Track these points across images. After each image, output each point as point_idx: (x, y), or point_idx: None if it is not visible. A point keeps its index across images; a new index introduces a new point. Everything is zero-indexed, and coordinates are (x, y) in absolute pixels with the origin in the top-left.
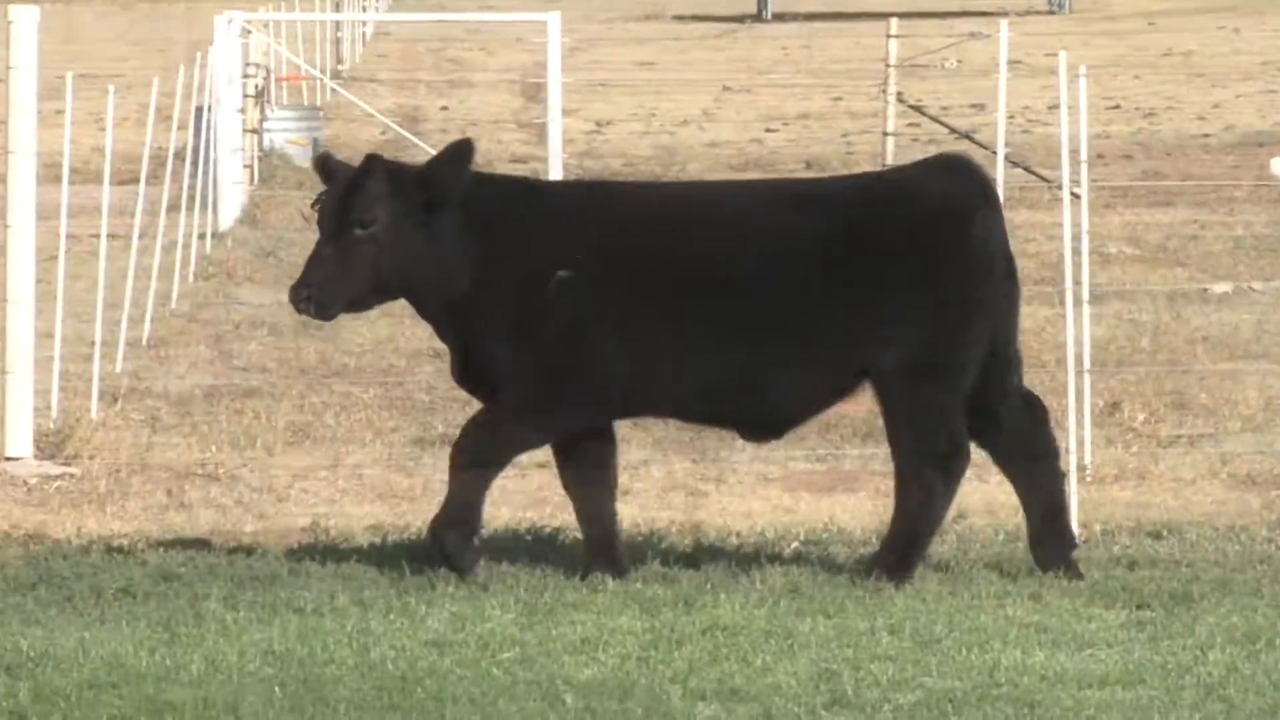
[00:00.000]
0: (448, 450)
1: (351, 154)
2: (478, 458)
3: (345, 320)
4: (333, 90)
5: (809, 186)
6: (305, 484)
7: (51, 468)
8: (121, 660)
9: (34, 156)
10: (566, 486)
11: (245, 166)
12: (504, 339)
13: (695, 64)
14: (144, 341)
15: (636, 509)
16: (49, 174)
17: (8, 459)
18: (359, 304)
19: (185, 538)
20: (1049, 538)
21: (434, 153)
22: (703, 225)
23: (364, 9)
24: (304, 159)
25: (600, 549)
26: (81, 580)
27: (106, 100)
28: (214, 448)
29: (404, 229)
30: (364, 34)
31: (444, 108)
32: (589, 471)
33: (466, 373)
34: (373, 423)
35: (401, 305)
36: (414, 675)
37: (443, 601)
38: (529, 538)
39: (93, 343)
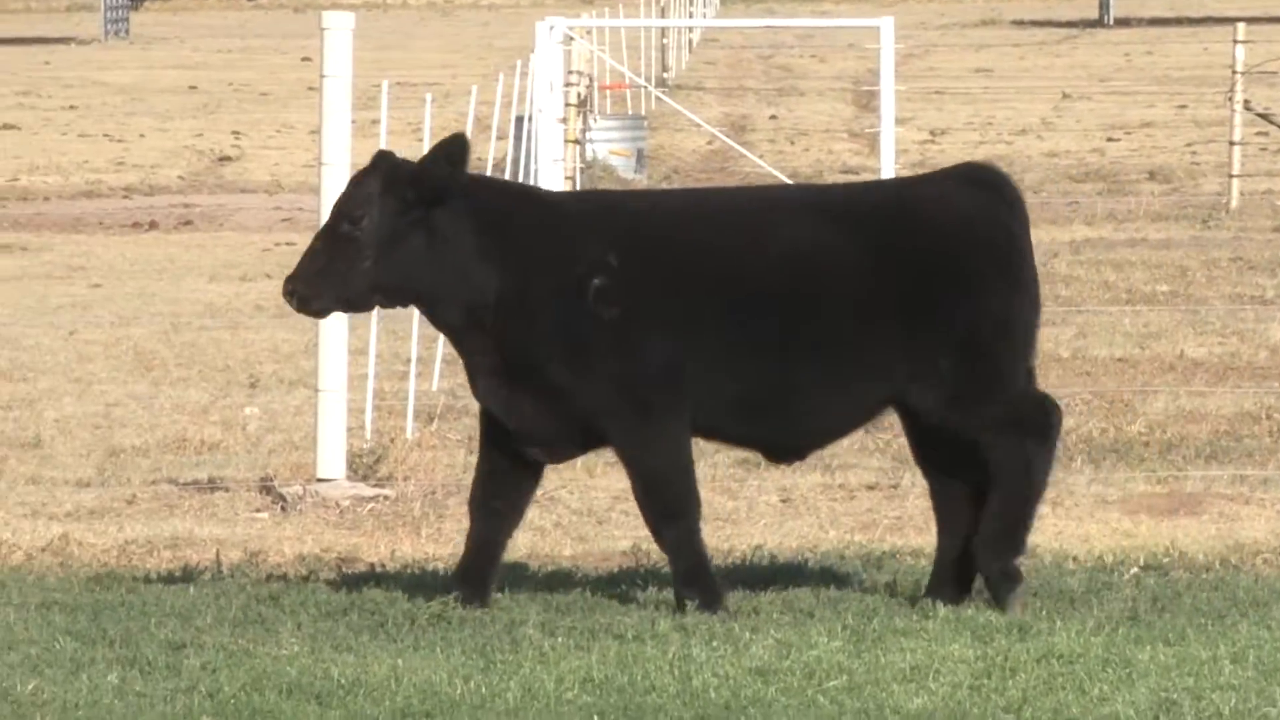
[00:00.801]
0: (774, 472)
1: (677, 164)
2: (667, 508)
3: None
4: (658, 99)
5: (834, 193)
6: (625, 506)
7: (365, 489)
8: (435, 688)
9: (348, 168)
10: (471, 505)
11: (566, 178)
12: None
13: (1033, 71)
14: None
15: None
16: None
17: (320, 480)
18: (355, 303)
19: (502, 561)
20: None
21: (761, 164)
22: (724, 234)
23: (691, 15)
24: (628, 170)
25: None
26: (394, 605)
27: (423, 109)
28: None
29: (396, 228)
30: (690, 40)
31: (773, 116)
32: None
33: (505, 390)
34: (697, 444)
35: None
36: (737, 704)
37: (767, 628)
38: (857, 561)
39: (408, 360)
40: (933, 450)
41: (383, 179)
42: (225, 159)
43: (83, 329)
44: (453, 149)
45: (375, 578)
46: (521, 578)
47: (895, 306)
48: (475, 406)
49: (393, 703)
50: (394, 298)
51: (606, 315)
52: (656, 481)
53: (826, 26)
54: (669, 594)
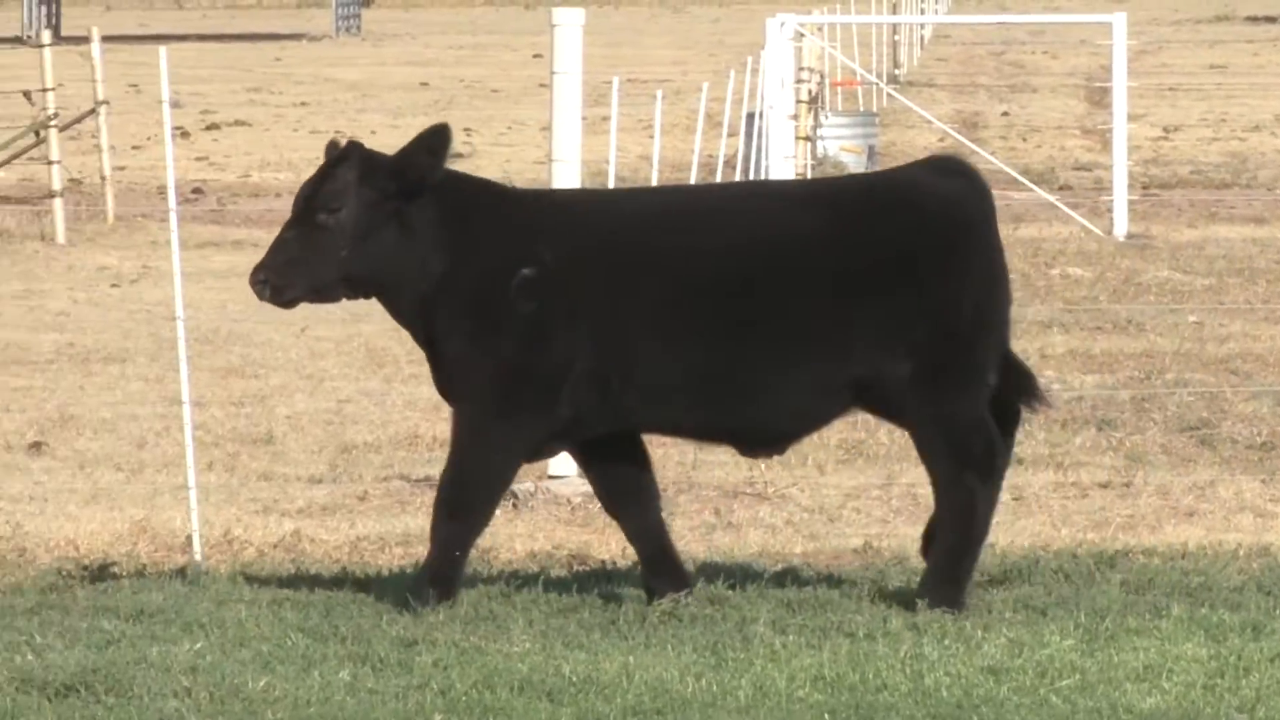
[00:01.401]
0: (1006, 470)
1: (908, 161)
2: (459, 505)
3: None
4: (889, 95)
5: (805, 187)
6: (857, 503)
7: None
8: (666, 686)
9: (578, 164)
10: (607, 509)
11: (797, 175)
12: (469, 343)
13: (1267, 67)
14: None
15: (1202, 531)
16: (594, 182)
17: (551, 477)
18: (324, 293)
19: (733, 559)
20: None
21: (994, 160)
22: (695, 229)
23: (922, 11)
24: (859, 166)
25: (651, 567)
26: (626, 602)
27: (654, 106)
28: (763, 466)
29: (373, 219)
30: (922, 37)
31: (1004, 113)
32: (624, 488)
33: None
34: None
35: None
36: (969, 702)
37: (999, 626)
38: (1089, 560)
39: None
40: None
41: (359, 170)
42: (457, 155)
43: (314, 325)
44: (433, 141)
45: (606, 575)
46: (753, 575)
47: (858, 295)
48: None
49: (624, 700)
50: (360, 288)
51: (523, 307)
52: (464, 476)
53: (1058, 23)
54: (900, 591)
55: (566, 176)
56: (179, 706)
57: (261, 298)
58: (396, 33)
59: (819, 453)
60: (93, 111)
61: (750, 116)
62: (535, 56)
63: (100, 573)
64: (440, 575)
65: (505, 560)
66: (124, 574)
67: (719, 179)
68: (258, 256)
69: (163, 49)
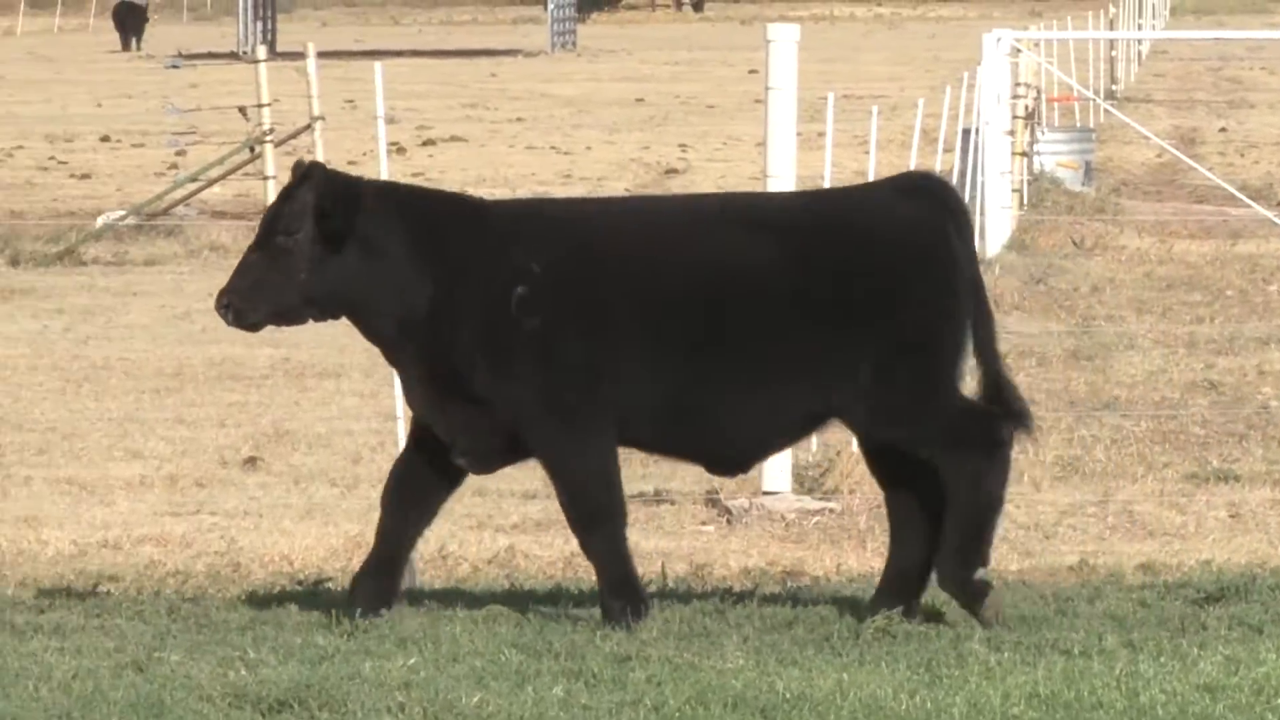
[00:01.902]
0: (1223, 487)
1: (1125, 177)
2: (590, 515)
3: (1118, 352)
4: (1106, 111)
5: (764, 202)
6: (1073, 520)
7: (810, 502)
8: (880, 703)
9: (793, 180)
10: (383, 499)
11: (1014, 190)
12: (492, 365)
13: None
14: None
15: None
16: None
17: (765, 493)
18: (288, 316)
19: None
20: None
21: (1211, 176)
22: (654, 244)
23: (1139, 27)
24: (1075, 182)
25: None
26: (840, 619)
27: (870, 121)
28: None
29: (330, 241)
30: (1139, 52)
31: (1222, 129)
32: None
33: (437, 400)
34: (1144, 457)
35: None
36: None
37: (1215, 644)
38: None
39: None
40: (884, 462)
41: (317, 191)
42: (672, 171)
43: None
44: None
45: (820, 591)
46: None
47: (824, 315)
48: None
49: (837, 717)
50: (327, 310)
51: (528, 324)
52: (578, 488)
53: (1277, 39)
54: (1116, 608)
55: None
56: None
57: (227, 322)
58: (612, 48)
59: (1034, 470)
60: (308, 127)
61: (966, 132)
62: (751, 72)
63: (314, 588)
64: (619, 581)
65: (719, 576)
66: (338, 589)
67: None
68: None
69: (378, 65)
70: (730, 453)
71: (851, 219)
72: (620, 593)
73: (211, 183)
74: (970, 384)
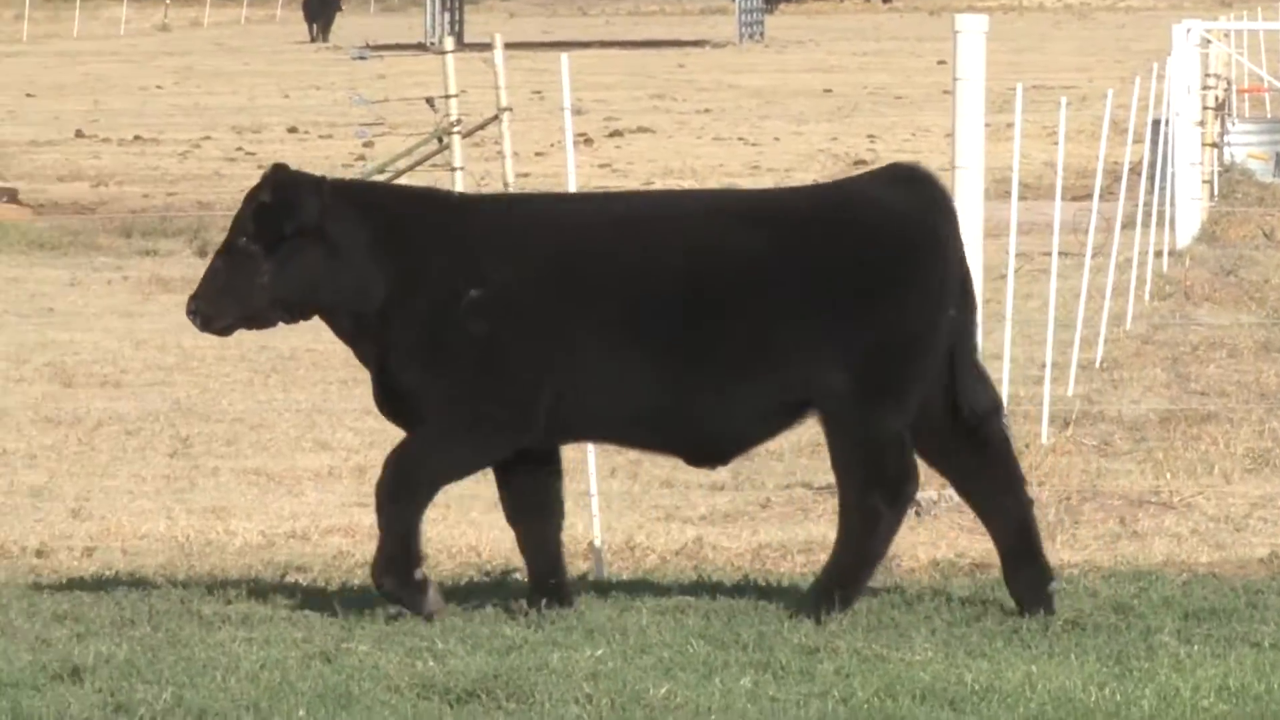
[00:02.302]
0: None
1: None
2: (402, 490)
3: None
4: None
5: (751, 197)
6: (1264, 513)
7: None
8: (1069, 695)
9: (981, 171)
10: (509, 518)
11: (1204, 182)
12: (419, 362)
13: None
14: (1096, 363)
15: None
16: (997, 189)
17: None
18: (257, 320)
19: (1138, 568)
20: (1023, 571)
21: None
22: (635, 239)
23: None
24: (1266, 174)
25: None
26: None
27: (1058, 112)
28: (1168, 474)
29: (293, 243)
30: None
31: None
32: (531, 500)
33: (392, 400)
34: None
35: None
36: None
37: None
38: None
39: (1043, 365)
40: (950, 453)
41: (276, 195)
42: (860, 162)
43: None
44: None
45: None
46: (1158, 584)
47: (805, 306)
48: (1110, 411)
49: (1026, 709)
50: (294, 312)
51: (476, 325)
52: (411, 459)
53: None
54: None
55: (970, 183)
56: (580, 713)
57: (196, 327)
58: (799, 39)
59: (1225, 461)
60: (495, 118)
61: (1156, 123)
62: (939, 63)
63: (502, 578)
64: (391, 564)
65: (907, 568)
66: (525, 580)
67: (1123, 186)
68: None
69: (564, 56)
70: (710, 445)
71: (835, 211)
72: (389, 570)
73: (399, 174)
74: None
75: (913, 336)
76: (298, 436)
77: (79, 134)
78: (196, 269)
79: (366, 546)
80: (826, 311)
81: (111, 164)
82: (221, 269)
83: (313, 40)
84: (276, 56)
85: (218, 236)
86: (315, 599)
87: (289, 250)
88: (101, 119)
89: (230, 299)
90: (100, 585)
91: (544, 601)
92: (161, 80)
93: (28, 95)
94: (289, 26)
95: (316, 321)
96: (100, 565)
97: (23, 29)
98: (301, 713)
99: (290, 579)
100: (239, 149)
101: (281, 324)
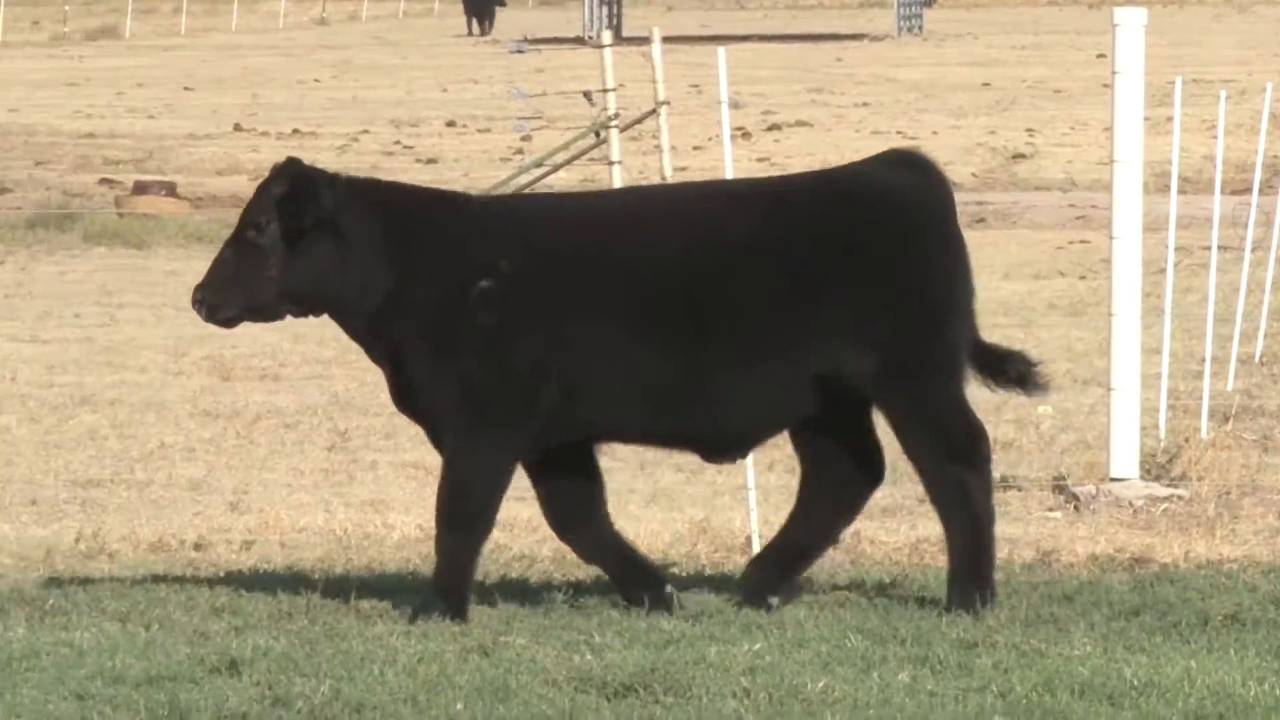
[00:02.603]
0: None
1: None
2: (456, 520)
3: None
4: None
5: (761, 185)
6: None
7: (1158, 489)
8: (1229, 690)
9: (1140, 165)
10: (557, 532)
11: None
12: (430, 358)
13: None
14: (1256, 358)
15: None
16: (1157, 183)
17: (1113, 479)
18: (263, 312)
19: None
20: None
21: None
22: (643, 233)
23: None
24: None
25: (622, 580)
26: (1188, 606)
27: (1217, 106)
28: None
29: (304, 236)
30: None
31: None
32: (574, 511)
33: (409, 398)
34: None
35: None
36: None
37: None
38: None
39: (1202, 359)
40: (815, 441)
41: (290, 186)
42: (1019, 156)
43: None
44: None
45: (1168, 578)
46: None
47: (809, 293)
48: (1270, 405)
49: (1185, 704)
50: (302, 305)
51: (485, 320)
52: (458, 489)
53: None
54: None
55: (1128, 177)
56: (737, 707)
57: (201, 317)
58: (958, 32)
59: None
60: (653, 112)
61: None
62: (1099, 56)
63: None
64: (448, 588)
65: (1066, 563)
66: (683, 574)
67: None
68: None
69: (721, 49)
70: (726, 439)
71: (838, 193)
72: (442, 596)
73: (557, 168)
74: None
75: (930, 309)
76: None
77: (237, 127)
78: None
79: (523, 540)
80: (836, 295)
81: (270, 157)
82: (230, 259)
83: (472, 34)
84: (434, 50)
85: None
86: (473, 592)
87: (300, 243)
88: (260, 112)
89: (237, 289)
90: (258, 578)
91: (635, 594)
92: (319, 74)
93: (186, 89)
94: (447, 20)
95: None
96: (258, 558)
97: (181, 22)
98: (459, 706)
99: None
100: (397, 142)
101: (290, 316)
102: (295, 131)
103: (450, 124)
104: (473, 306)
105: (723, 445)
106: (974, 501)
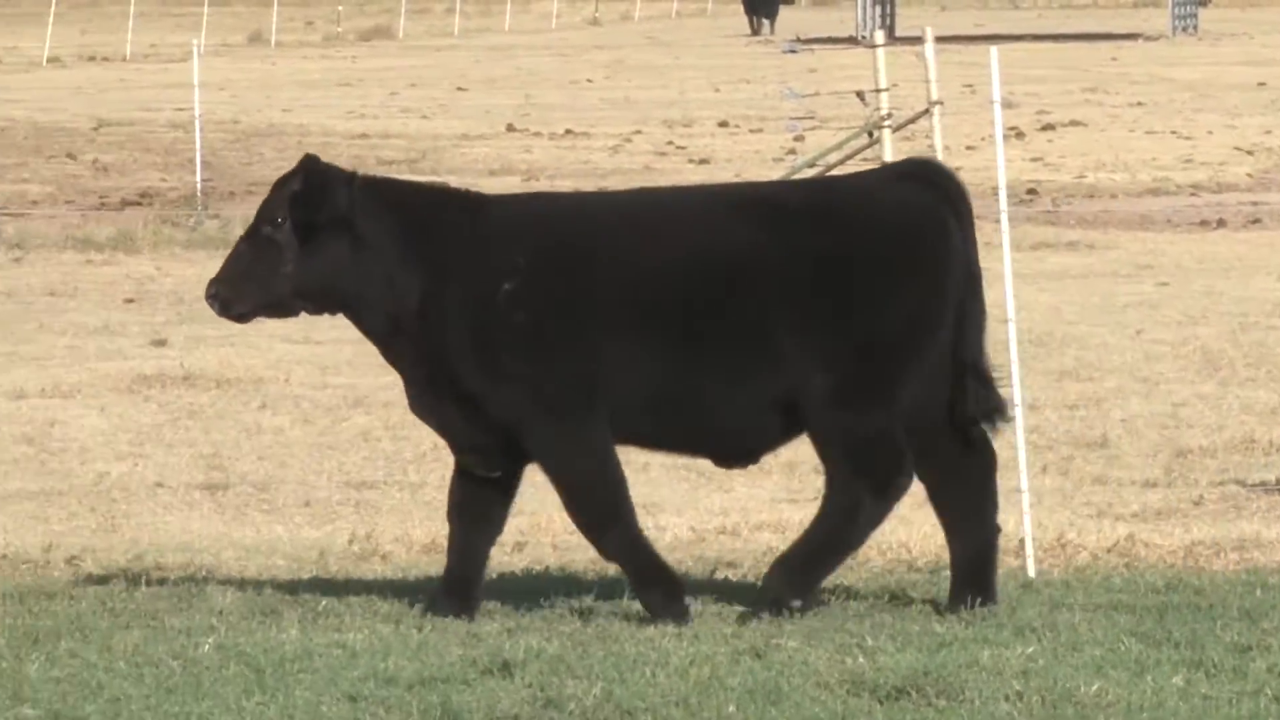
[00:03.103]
0: None
1: None
2: (599, 519)
3: None
4: None
5: (761, 191)
6: None
7: None
8: None
9: None
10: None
11: None
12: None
13: None
14: None
15: None
16: None
17: None
18: (278, 309)
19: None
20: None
21: None
22: (646, 234)
23: None
24: None
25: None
26: None
27: None
28: None
29: (320, 233)
30: None
31: None
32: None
33: (433, 400)
34: None
35: None
36: None
37: None
38: None
39: None
40: (932, 453)
41: (305, 184)
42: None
43: (1150, 328)
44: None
45: None
46: None
47: (816, 300)
48: None
49: None
50: (318, 303)
51: (517, 319)
52: (580, 490)
53: None
54: None
55: None
56: (1010, 710)
57: (215, 312)
58: (1234, 31)
59: None
60: (926, 112)
61: None
62: None
63: (931, 575)
64: (648, 579)
65: None
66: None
67: None
68: (1093, 258)
69: (994, 49)
70: (735, 447)
71: (846, 204)
72: (651, 585)
73: (830, 168)
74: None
75: (905, 329)
76: None
77: (510, 128)
78: None
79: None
80: (838, 302)
81: (542, 158)
82: (245, 254)
83: (754, 34)
84: (707, 50)
85: None
86: (746, 594)
87: (315, 240)
88: (533, 113)
89: (252, 285)
90: (530, 580)
91: (447, 604)
92: (592, 74)
93: (459, 89)
94: (720, 20)
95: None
96: (530, 560)
97: (454, 23)
98: (731, 708)
99: (720, 574)
100: (669, 143)
101: (304, 314)
102: (568, 132)
103: (723, 124)
104: (510, 305)
105: (732, 453)
106: (857, 523)
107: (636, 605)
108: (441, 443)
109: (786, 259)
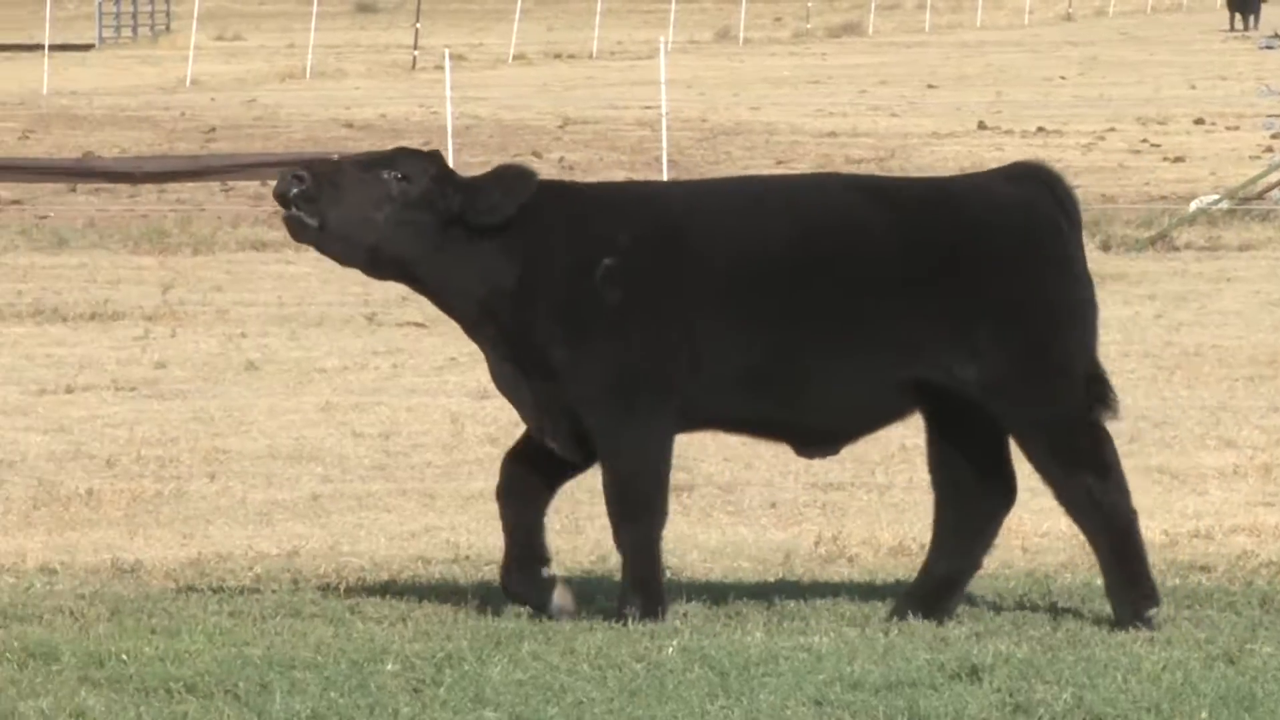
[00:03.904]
0: None
1: None
2: (631, 509)
3: None
4: None
5: (885, 185)
6: None
7: None
8: None
9: None
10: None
11: None
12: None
13: None
14: None
15: None
16: None
17: None
18: (347, 248)
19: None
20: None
21: None
22: (758, 222)
23: None
24: None
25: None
26: None
27: None
28: None
29: (419, 211)
30: None
31: None
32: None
33: (519, 381)
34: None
35: None
36: None
37: None
38: None
39: None
40: (952, 465)
41: (440, 170)
42: None
43: None
44: (513, 183)
45: None
46: None
47: (919, 296)
48: None
49: None
50: (386, 269)
51: (611, 297)
52: (626, 482)
53: None
54: None
55: None
56: None
57: (285, 213)
58: None
59: None
60: None
61: None
62: None
63: None
64: (640, 581)
65: None
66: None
67: None
68: None
69: None
70: (822, 432)
71: (956, 202)
72: (640, 590)
73: None
74: None
75: (1042, 323)
76: (1202, 434)
77: (981, 125)
78: (1101, 263)
79: (1271, 546)
80: (944, 300)
81: (1013, 156)
82: (354, 178)
83: (1232, 29)
84: (1183, 46)
85: (1122, 230)
86: (1219, 599)
87: (415, 215)
88: (1004, 110)
89: (340, 204)
90: (998, 583)
91: (515, 583)
92: (1065, 70)
93: (929, 86)
94: (1195, 15)
95: (1219, 313)
96: (999, 562)
97: (925, 19)
98: (1204, 715)
99: (1192, 579)
100: (1144, 140)
101: (363, 272)
102: (1040, 130)
103: (1198, 121)
104: (600, 288)
105: (817, 439)
106: (1105, 507)
107: (1107, 609)
108: (909, 445)
109: (907, 249)
